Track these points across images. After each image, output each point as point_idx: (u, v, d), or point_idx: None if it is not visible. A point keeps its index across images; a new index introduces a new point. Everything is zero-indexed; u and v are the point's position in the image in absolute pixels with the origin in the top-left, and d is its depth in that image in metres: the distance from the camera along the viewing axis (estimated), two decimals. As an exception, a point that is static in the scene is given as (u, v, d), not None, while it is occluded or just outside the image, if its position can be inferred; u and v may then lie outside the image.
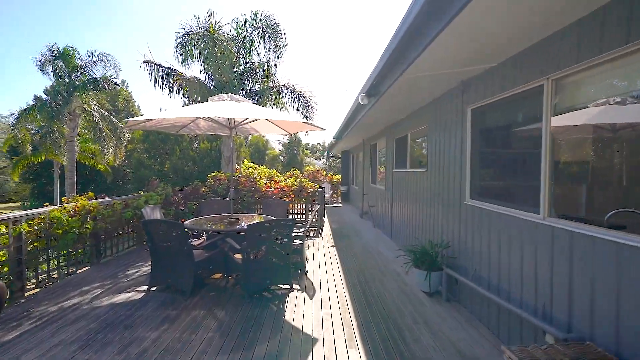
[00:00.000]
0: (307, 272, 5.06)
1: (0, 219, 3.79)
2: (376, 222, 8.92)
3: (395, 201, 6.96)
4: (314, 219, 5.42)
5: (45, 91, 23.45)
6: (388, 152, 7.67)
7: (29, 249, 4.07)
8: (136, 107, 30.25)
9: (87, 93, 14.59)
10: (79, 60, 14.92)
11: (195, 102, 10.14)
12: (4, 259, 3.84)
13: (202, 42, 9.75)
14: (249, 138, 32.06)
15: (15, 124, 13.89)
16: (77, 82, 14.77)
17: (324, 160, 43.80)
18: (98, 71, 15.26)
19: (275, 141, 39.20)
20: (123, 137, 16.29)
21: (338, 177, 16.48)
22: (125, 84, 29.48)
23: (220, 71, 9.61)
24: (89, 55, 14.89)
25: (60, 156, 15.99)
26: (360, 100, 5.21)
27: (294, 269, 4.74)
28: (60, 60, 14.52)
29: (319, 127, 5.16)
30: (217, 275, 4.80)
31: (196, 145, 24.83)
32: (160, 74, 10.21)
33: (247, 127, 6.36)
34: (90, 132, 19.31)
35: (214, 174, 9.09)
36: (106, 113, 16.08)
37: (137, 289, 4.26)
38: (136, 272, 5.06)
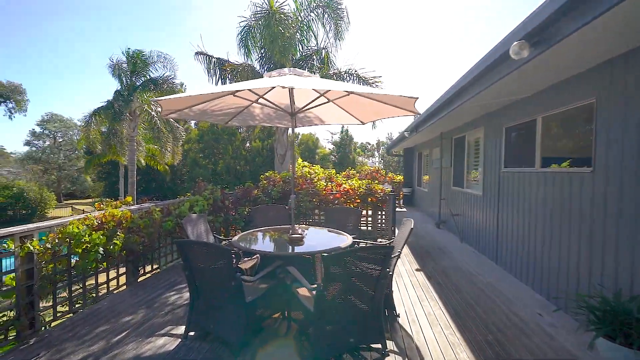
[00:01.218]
0: (399, 315, 3.54)
1: (3, 233, 2.89)
2: (464, 235, 7.04)
3: (504, 212, 5.10)
4: (400, 238, 3.88)
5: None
6: (488, 147, 5.80)
7: (42, 272, 3.15)
8: (193, 109, 31.33)
9: (146, 93, 14.76)
10: (140, 62, 15.16)
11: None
12: (8, 285, 2.95)
13: (263, 21, 8.73)
14: (299, 136, 31.38)
15: (85, 125, 14.47)
16: (137, 83, 15.01)
17: (375, 159, 41.63)
18: (156, 71, 15.40)
19: (324, 140, 38.16)
20: (180, 137, 16.30)
21: (399, 177, 14.59)
22: (184, 86, 30.61)
23: (281, 50, 8.47)
24: (148, 57, 15.04)
25: (123, 156, 16.52)
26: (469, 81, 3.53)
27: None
28: (125, 63, 14.87)
29: (413, 111, 3.66)
30: (276, 315, 3.52)
31: (248, 144, 24.68)
32: (212, 65, 9.47)
33: (310, 115, 5.04)
34: (150, 133, 19.95)
35: (267, 174, 8.00)
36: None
37: (173, 332, 3.13)
38: (176, 297, 4.01)
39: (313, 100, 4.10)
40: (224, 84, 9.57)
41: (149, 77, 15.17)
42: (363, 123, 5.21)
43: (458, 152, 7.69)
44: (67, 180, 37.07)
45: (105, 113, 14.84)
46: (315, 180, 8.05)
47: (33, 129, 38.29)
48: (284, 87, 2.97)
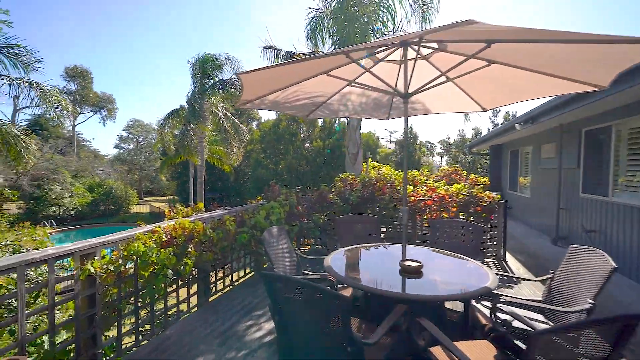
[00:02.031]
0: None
1: (62, 252, 2.33)
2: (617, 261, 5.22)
3: None
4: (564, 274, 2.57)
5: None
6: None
7: (106, 298, 2.56)
8: (255, 111, 32.15)
9: (214, 95, 15.03)
10: (210, 65, 15.51)
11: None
12: (67, 316, 2.39)
13: (337, 4, 7.85)
14: (359, 136, 30.18)
15: (160, 128, 15.22)
16: (206, 85, 15.38)
17: (440, 158, 38.41)
18: (224, 74, 15.63)
19: (383, 139, 36.34)
20: (243, 138, 16.38)
21: (483, 179, 12.54)
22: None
23: (355, 33, 7.49)
24: (217, 59, 15.31)
25: (193, 157, 17.16)
26: None
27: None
28: (199, 66, 15.36)
29: (597, 85, 2.39)
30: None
31: (308, 144, 24.29)
32: (281, 58, 8.86)
33: (424, 102, 3.97)
34: (216, 134, 20.59)
35: (343, 175, 7.06)
36: (229, 114, 16.44)
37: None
38: (254, 330, 3.23)
39: (432, 82, 2.97)
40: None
41: (217, 80, 15.45)
42: (484, 109, 3.93)
43: (594, 147, 5.85)
44: (146, 179, 41.12)
45: (178, 116, 15.48)
46: (397, 183, 6.88)
47: (120, 134, 43.28)
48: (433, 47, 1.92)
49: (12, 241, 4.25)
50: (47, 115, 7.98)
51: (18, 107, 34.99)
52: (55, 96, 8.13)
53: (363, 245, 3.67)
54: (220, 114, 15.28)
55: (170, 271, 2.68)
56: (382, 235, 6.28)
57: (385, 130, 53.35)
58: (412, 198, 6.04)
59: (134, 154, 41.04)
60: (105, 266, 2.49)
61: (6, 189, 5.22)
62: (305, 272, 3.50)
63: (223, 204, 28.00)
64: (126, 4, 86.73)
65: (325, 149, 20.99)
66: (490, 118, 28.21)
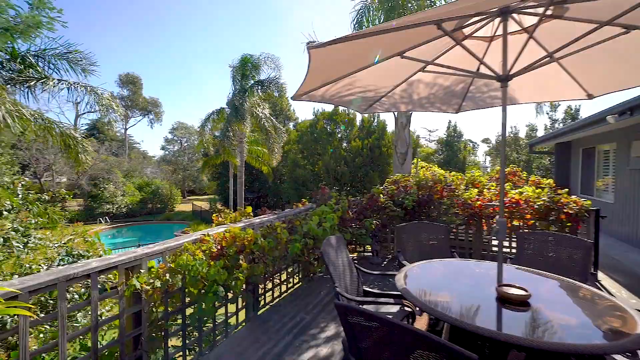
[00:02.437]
0: None
1: (105, 265, 2.04)
2: None
3: None
4: None
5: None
6: None
7: (152, 316, 2.26)
8: (292, 111, 32.26)
9: (252, 95, 15.07)
10: (249, 65, 15.60)
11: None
12: (109, 338, 2.12)
13: None
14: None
15: (200, 129, 15.57)
16: (246, 86, 15.47)
17: (487, 158, 35.86)
18: (264, 73, 15.63)
19: (422, 138, 34.66)
20: (282, 138, 16.28)
21: (547, 181, 11.17)
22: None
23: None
24: (257, 60, 15.34)
25: (234, 157, 17.40)
26: None
27: None
28: (238, 68, 15.52)
29: None
30: None
31: (345, 144, 23.75)
32: (324, 54, 8.43)
33: (510, 88, 3.30)
34: (256, 135, 20.78)
35: (395, 177, 6.47)
36: (268, 114, 16.42)
37: None
38: (309, 351, 2.80)
39: (538, 62, 2.33)
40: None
41: (256, 80, 15.49)
42: (590, 96, 3.17)
43: None
44: (189, 179, 43.06)
45: (217, 117, 15.75)
46: (455, 185, 6.14)
47: (166, 136, 45.79)
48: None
49: (65, 242, 4.23)
50: (104, 120, 8.24)
51: (80, 113, 38.33)
52: (107, 99, 8.43)
53: (437, 261, 3.08)
54: (260, 114, 15.29)
55: (221, 288, 2.32)
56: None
57: (424, 129, 51.15)
58: (478, 203, 5.29)
59: (178, 154, 43.21)
60: (152, 280, 2.19)
61: (62, 190, 5.41)
62: (367, 289, 3.01)
63: (261, 205, 28.35)
64: (168, 10, 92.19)
65: (364, 148, 20.31)
66: (547, 113, 25.65)
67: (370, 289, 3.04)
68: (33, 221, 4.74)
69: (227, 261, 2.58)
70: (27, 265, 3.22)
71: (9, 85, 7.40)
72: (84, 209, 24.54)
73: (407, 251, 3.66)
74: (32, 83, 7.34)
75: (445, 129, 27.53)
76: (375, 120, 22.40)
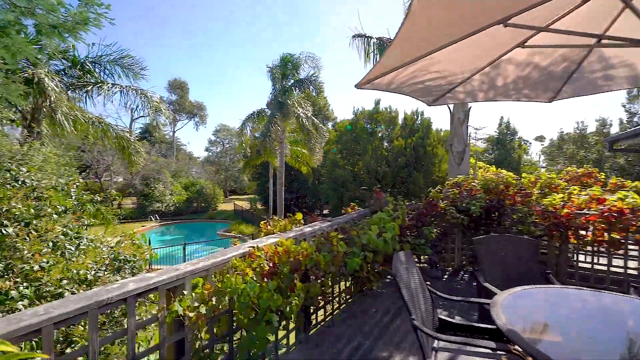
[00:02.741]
0: None
1: (144, 287, 1.72)
2: None
3: None
4: None
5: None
6: None
7: (196, 344, 1.91)
8: (330, 111, 31.92)
9: (294, 95, 14.90)
10: (290, 65, 15.47)
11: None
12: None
13: None
14: (441, 132, 27.31)
15: (240, 130, 15.73)
16: (287, 86, 15.36)
17: (541, 157, 32.58)
18: (303, 72, 15.41)
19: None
20: (324, 137, 15.95)
21: (634, 184, 9.54)
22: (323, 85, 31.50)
23: None
24: (297, 59, 15.16)
25: (274, 158, 17.42)
26: None
27: None
28: (279, 68, 15.48)
29: None
30: None
31: (386, 143, 22.86)
32: (373, 47, 7.90)
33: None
34: (296, 135, 20.71)
35: (456, 179, 5.74)
36: (309, 114, 16.17)
37: None
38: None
39: None
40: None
41: (297, 79, 15.31)
42: None
43: None
44: (230, 179, 44.58)
45: (257, 118, 15.82)
46: (531, 189, 5.26)
47: (210, 138, 47.87)
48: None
49: (112, 247, 4.16)
50: (154, 122, 8.47)
51: (134, 118, 41.37)
52: (156, 101, 8.65)
53: (538, 288, 2.42)
54: (301, 114, 15.08)
55: (276, 317, 1.91)
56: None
57: (470, 127, 47.94)
58: (565, 211, 4.41)
59: (220, 155, 44.95)
60: (196, 304, 1.84)
61: (113, 191, 5.53)
62: (444, 318, 2.46)
63: (299, 205, 28.35)
64: (210, 16, 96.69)
65: (407, 148, 19.31)
66: (624, 105, 22.47)
67: (446, 318, 2.48)
68: (86, 222, 4.77)
69: (280, 281, 2.17)
70: (75, 271, 3.09)
71: (69, 91, 7.84)
72: (137, 207, 26.27)
73: (488, 271, 3.02)
74: (89, 88, 7.68)
75: (497, 125, 25.34)
76: (419, 118, 21.24)
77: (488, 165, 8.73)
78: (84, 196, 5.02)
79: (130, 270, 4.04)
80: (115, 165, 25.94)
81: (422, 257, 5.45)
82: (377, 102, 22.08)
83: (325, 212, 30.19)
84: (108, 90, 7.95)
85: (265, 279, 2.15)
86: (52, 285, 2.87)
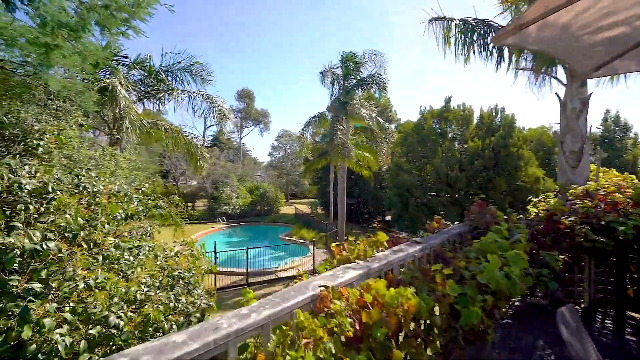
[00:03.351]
0: None
1: (210, 342, 1.05)
2: None
3: None
4: None
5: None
6: None
7: None
8: (393, 112, 30.33)
9: (356, 95, 14.13)
10: (351, 65, 14.74)
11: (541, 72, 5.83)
12: None
13: None
14: (525, 131, 23.74)
15: (300, 135, 15.42)
16: (349, 86, 14.64)
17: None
18: (365, 71, 14.52)
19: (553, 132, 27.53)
20: (390, 139, 14.82)
21: None
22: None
23: None
24: (360, 57, 14.36)
25: (338, 161, 16.79)
26: None
27: None
28: (340, 68, 14.87)
29: None
30: None
31: (458, 144, 20.61)
32: (454, 32, 6.68)
33: None
34: (357, 137, 19.86)
35: (589, 187, 4.30)
36: (374, 115, 15.20)
37: None
38: None
39: None
40: (487, 57, 6.36)
41: (359, 78, 14.49)
42: None
43: None
44: (292, 183, 45.53)
45: (317, 122, 15.36)
46: None
47: (273, 143, 49.72)
48: None
49: (169, 257, 3.83)
50: (222, 127, 8.48)
51: (207, 126, 44.97)
52: (221, 105, 8.66)
53: None
54: (364, 114, 14.21)
55: None
56: None
57: (557, 124, 41.37)
58: None
59: (282, 160, 46.25)
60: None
61: (175, 197, 5.46)
62: None
63: (361, 212, 27.32)
64: (273, 24, 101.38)
65: (484, 149, 17.01)
66: None
67: None
68: (149, 228, 4.59)
69: (371, 353, 1.36)
70: (124, 290, 2.71)
71: (145, 99, 8.26)
72: (207, 208, 28.12)
73: None
74: (161, 95, 7.94)
75: (601, 121, 20.97)
76: (499, 116, 18.64)
77: (608, 170, 6.76)
78: (150, 201, 4.90)
79: (186, 286, 3.65)
80: (190, 170, 28.21)
81: (537, 288, 4.14)
82: (448, 100, 20.05)
83: (387, 218, 28.62)
84: (177, 96, 8.19)
85: (347, 348, 1.36)
86: (100, 306, 2.51)
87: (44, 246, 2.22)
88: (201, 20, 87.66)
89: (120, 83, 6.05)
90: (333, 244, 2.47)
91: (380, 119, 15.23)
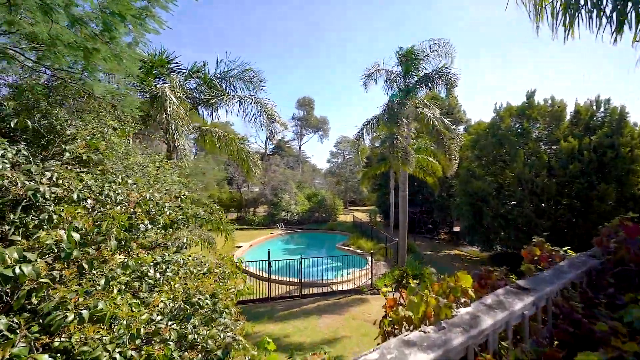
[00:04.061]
0: None
1: None
2: None
3: None
4: None
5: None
6: None
7: None
8: (462, 112, 27.54)
9: (416, 95, 12.80)
10: (411, 61, 13.44)
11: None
12: None
13: None
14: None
15: (356, 139, 14.51)
16: (410, 85, 13.36)
17: None
18: (430, 65, 13.06)
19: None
20: (459, 141, 13.09)
21: None
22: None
23: None
24: (420, 50, 12.99)
25: (399, 166, 15.50)
26: None
27: None
28: (397, 66, 13.71)
29: None
30: None
31: (544, 146, 17.47)
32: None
33: None
34: (420, 141, 18.23)
35: None
36: (438, 114, 13.61)
37: None
38: None
39: None
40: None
41: (422, 75, 13.10)
42: None
43: None
44: (350, 190, 44.65)
45: (377, 125, 14.29)
46: None
47: (331, 150, 49.57)
48: None
49: (199, 275, 3.33)
50: (269, 131, 8.19)
51: (268, 134, 46.76)
52: (270, 109, 8.35)
53: None
54: (429, 115, 12.77)
55: None
56: None
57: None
58: None
59: (341, 167, 45.73)
60: None
61: (214, 204, 5.17)
62: None
63: (424, 222, 25.10)
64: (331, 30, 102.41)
65: (583, 150, 13.97)
66: None
67: None
68: (185, 239, 4.22)
69: None
70: (125, 322, 2.21)
71: (199, 106, 8.36)
72: (267, 214, 28.85)
73: None
74: (213, 101, 7.92)
75: None
76: (602, 109, 15.27)
77: None
78: (190, 210, 4.58)
79: (209, 314, 3.07)
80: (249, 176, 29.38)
81: None
82: (531, 94, 17.18)
83: (455, 229, 25.81)
84: (228, 101, 8.11)
85: None
86: (89, 344, 2.04)
87: (17, 271, 1.80)
88: (262, 32, 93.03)
89: (171, 89, 6.07)
90: (383, 288, 1.59)
91: (445, 120, 13.55)
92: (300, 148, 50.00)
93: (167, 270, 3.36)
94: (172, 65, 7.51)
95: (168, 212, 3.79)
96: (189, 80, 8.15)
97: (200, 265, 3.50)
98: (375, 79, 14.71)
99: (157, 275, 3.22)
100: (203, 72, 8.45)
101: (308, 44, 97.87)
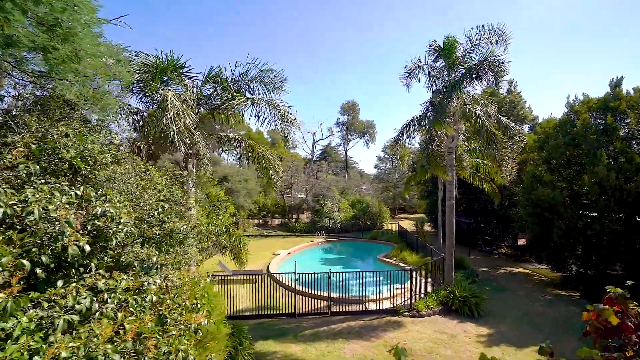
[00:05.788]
0: None
1: None
2: None
3: None
4: None
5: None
6: None
7: None
8: (527, 109, 24.15)
9: (467, 87, 11.16)
10: (458, 52, 11.82)
11: None
12: None
13: None
14: None
15: (396, 141, 13.17)
16: (455, 78, 11.74)
17: None
18: (477, 55, 11.30)
19: None
20: (518, 143, 11.07)
21: None
22: (514, 83, 24.39)
23: None
24: (469, 39, 11.32)
25: (443, 172, 13.81)
26: None
27: None
28: (441, 57, 12.18)
29: None
30: None
31: (635, 144, 14.14)
32: None
33: None
34: (474, 142, 16.20)
35: None
36: (493, 112, 11.73)
37: None
38: None
39: None
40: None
41: (468, 67, 11.38)
42: None
43: None
44: (399, 197, 42.37)
45: (419, 126, 12.85)
46: None
47: (379, 155, 47.81)
48: None
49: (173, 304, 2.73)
50: (284, 135, 7.59)
51: (315, 141, 46.88)
52: (283, 109, 7.75)
53: None
54: (478, 113, 11.04)
55: None
56: None
57: None
58: None
59: (389, 172, 43.71)
60: None
61: (228, 215, 4.76)
62: None
63: (482, 233, 22.29)
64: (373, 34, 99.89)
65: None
66: None
67: None
68: (155, 259, 3.70)
69: None
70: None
71: (214, 111, 8.10)
72: (310, 221, 28.45)
73: None
74: (226, 104, 7.59)
75: None
76: None
77: None
78: (170, 224, 4.10)
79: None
80: (297, 184, 29.34)
81: None
82: (618, 82, 14.10)
83: (520, 243, 22.45)
84: (242, 104, 7.71)
85: None
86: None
87: None
88: (305, 40, 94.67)
89: (174, 94, 5.82)
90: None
91: (502, 118, 11.61)
92: (346, 153, 49.14)
93: (109, 300, 2.82)
94: (184, 70, 7.38)
95: (126, 229, 3.29)
96: (205, 86, 7.96)
97: (144, 292, 2.89)
98: (417, 77, 13.32)
99: (96, 306, 2.69)
100: (220, 77, 8.19)
101: (360, 51, 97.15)
